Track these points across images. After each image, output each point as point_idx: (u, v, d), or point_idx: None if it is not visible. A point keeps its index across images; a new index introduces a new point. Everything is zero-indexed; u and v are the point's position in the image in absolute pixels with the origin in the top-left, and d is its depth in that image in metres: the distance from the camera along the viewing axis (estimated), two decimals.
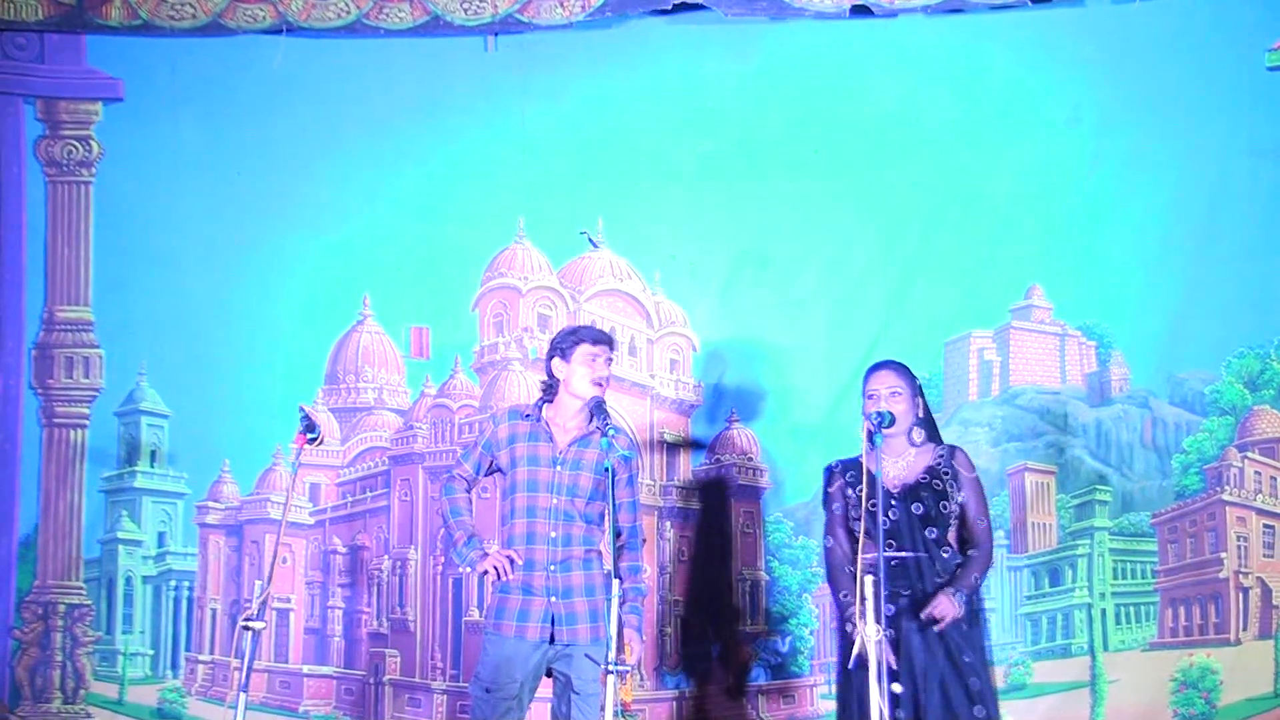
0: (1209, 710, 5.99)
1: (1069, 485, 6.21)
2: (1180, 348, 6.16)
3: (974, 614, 4.95)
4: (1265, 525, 6.08)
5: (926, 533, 4.94)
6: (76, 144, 6.76)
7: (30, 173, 6.76)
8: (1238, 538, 6.07)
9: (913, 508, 4.94)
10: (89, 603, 6.63)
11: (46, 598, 6.62)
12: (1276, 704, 5.96)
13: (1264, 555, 6.06)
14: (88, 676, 6.60)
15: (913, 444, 5.05)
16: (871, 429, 4.80)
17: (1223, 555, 6.07)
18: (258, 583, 4.90)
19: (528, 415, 5.05)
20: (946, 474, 5.00)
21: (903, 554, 4.89)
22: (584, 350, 5.01)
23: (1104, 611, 6.14)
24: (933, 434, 5.13)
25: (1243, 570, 6.06)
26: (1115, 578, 6.15)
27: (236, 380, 6.63)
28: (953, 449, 5.11)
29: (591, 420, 4.98)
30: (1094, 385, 6.24)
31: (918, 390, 5.09)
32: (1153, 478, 6.18)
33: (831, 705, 6.17)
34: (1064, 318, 6.29)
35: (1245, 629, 6.04)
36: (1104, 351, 6.23)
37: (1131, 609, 6.15)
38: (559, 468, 4.98)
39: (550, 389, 5.08)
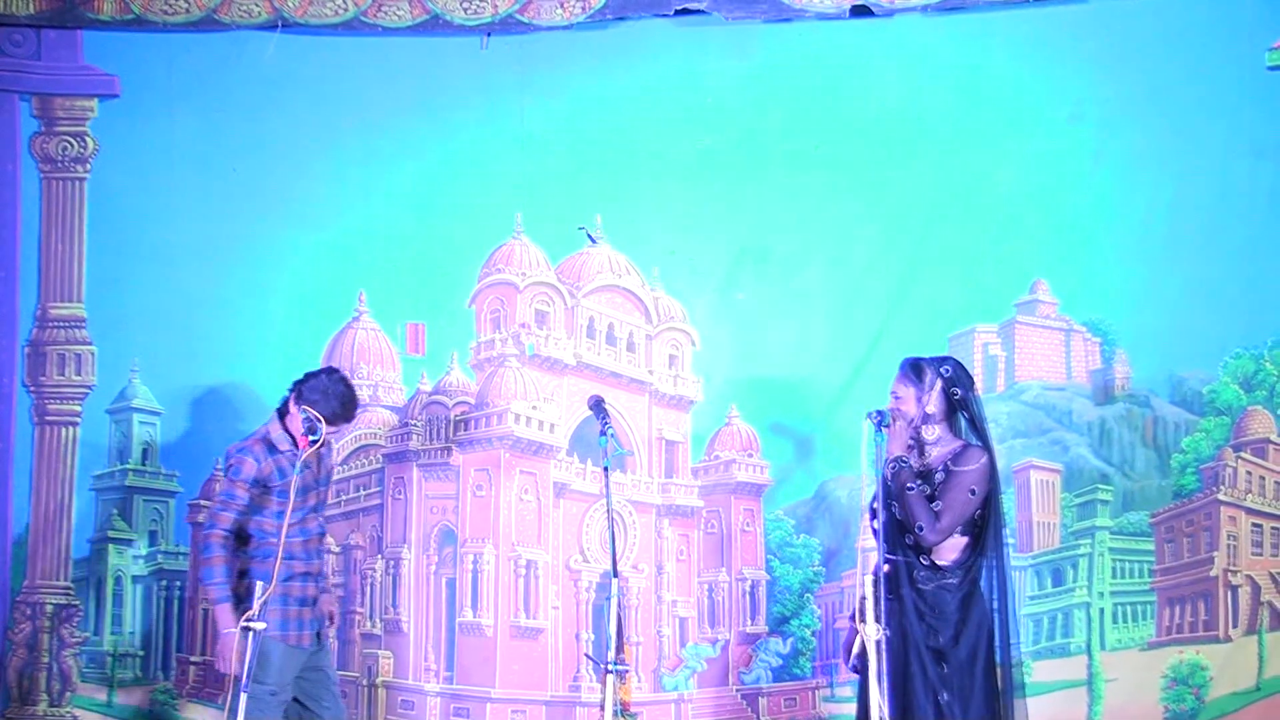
0: (1198, 705, 6.00)
1: (1072, 484, 6.21)
2: (1182, 346, 6.16)
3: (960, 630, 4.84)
4: (1254, 524, 6.09)
5: (905, 539, 4.81)
6: (72, 140, 6.71)
7: (25, 169, 6.71)
8: (1228, 536, 6.07)
9: (893, 509, 4.81)
10: (77, 603, 6.56)
11: (35, 598, 6.56)
12: (1258, 697, 5.97)
13: (1253, 553, 6.07)
14: (74, 678, 6.53)
15: (925, 441, 4.92)
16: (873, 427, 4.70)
17: (1215, 554, 6.07)
18: (259, 584, 4.87)
19: (283, 451, 5.38)
20: (940, 476, 4.83)
21: (891, 557, 4.73)
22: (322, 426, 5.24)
23: (1102, 611, 6.12)
24: (968, 432, 4.93)
25: (1232, 569, 6.07)
26: (1114, 577, 6.14)
27: (230, 377, 6.58)
28: (965, 447, 4.89)
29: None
30: (1098, 383, 6.24)
31: (930, 386, 4.90)
32: (1152, 477, 6.18)
33: (833, 708, 6.17)
34: (1067, 314, 6.28)
35: (1235, 626, 6.05)
36: (1108, 348, 6.22)
37: (1129, 608, 6.15)
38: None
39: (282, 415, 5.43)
